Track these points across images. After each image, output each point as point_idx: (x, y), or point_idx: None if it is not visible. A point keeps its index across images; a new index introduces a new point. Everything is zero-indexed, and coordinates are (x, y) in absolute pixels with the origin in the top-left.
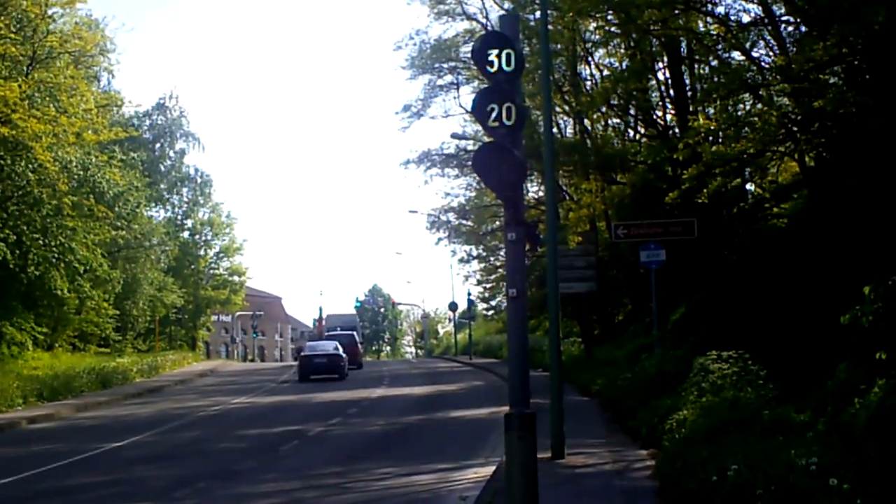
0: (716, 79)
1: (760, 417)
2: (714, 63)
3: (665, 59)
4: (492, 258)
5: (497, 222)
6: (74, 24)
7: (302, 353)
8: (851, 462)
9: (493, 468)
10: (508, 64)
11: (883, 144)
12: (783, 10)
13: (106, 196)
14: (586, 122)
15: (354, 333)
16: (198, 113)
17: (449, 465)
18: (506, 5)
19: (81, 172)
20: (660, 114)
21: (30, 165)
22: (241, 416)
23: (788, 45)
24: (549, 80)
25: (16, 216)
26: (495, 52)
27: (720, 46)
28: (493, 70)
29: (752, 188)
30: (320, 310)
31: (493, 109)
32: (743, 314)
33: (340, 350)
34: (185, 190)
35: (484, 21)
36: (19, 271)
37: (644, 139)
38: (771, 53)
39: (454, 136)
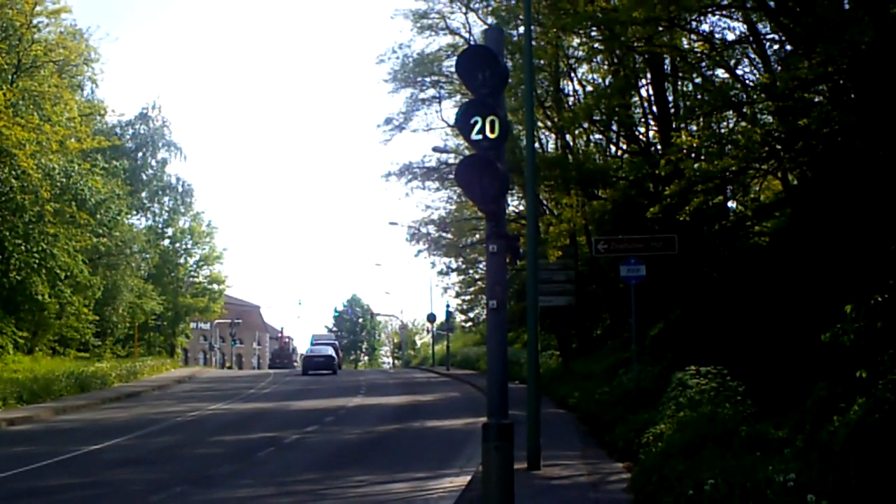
0: (699, 96)
1: (738, 433)
2: (698, 80)
3: (648, 75)
4: (471, 271)
5: (477, 235)
6: (59, 34)
7: (304, 355)
8: (830, 479)
9: (468, 478)
10: (493, 77)
11: (867, 164)
12: (768, 28)
13: (88, 203)
14: (568, 137)
15: (336, 343)
16: (180, 122)
17: (424, 474)
18: (489, 20)
19: (64, 180)
20: (642, 130)
21: (13, 172)
22: (217, 423)
23: (773, 64)
24: (532, 95)
25: None
26: (479, 65)
27: (704, 64)
28: (476, 83)
29: (734, 206)
30: (282, 329)
31: (476, 122)
32: (722, 331)
33: (333, 353)
34: (166, 199)
35: (467, 36)
36: (1, 276)
37: (626, 155)
38: (755, 71)
39: (436, 149)
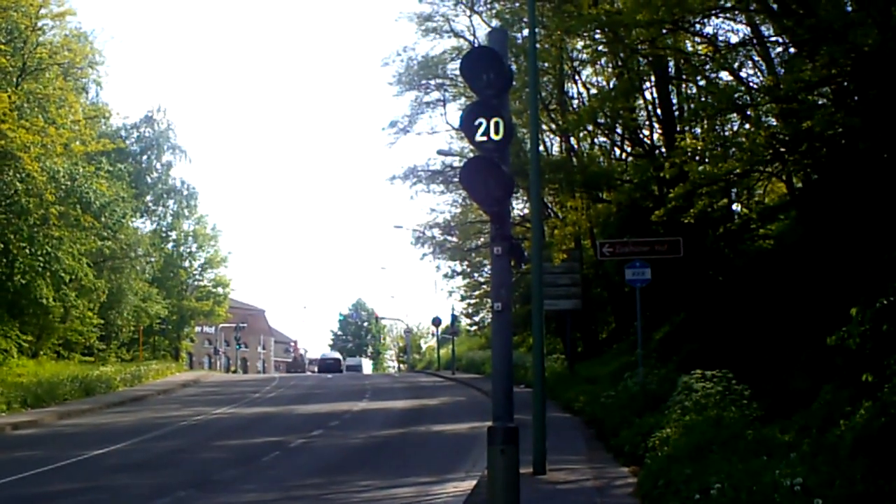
0: (703, 98)
1: (744, 437)
2: (702, 83)
3: (652, 78)
4: (476, 274)
5: (482, 238)
6: (64, 37)
7: (319, 358)
8: (836, 483)
9: (473, 482)
10: (497, 79)
11: (871, 166)
12: (771, 31)
13: (92, 206)
14: (573, 140)
15: (341, 356)
16: (185, 125)
17: (429, 478)
18: (493, 23)
19: (69, 183)
20: (647, 133)
21: (18, 175)
22: (222, 427)
23: (777, 66)
24: (537, 97)
25: (3, 225)
26: (484, 66)
27: (708, 66)
28: (481, 85)
29: (739, 209)
30: (295, 342)
31: (480, 124)
32: (728, 334)
33: (340, 358)
34: (170, 202)
35: (471, 38)
36: (5, 279)
37: (630, 158)
38: (759, 74)
39: (440, 152)
